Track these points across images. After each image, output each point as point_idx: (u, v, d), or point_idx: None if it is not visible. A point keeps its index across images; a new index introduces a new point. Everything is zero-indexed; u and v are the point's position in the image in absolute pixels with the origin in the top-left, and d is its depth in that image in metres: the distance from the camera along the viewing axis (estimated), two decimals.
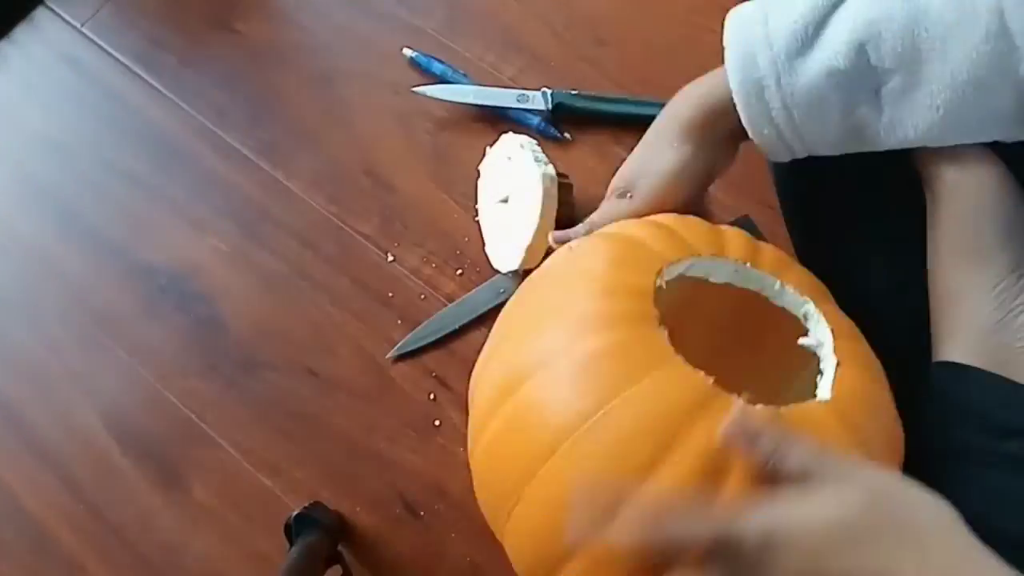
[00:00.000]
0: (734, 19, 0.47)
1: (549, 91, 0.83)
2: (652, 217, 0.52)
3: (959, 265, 0.45)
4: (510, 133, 0.79)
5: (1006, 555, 0.32)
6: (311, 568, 0.66)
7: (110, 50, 0.94)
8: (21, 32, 0.97)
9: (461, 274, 0.79)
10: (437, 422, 0.74)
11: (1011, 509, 0.40)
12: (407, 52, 0.89)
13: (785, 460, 0.34)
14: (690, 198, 0.55)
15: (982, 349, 0.44)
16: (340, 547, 0.71)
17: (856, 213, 0.54)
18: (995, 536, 0.32)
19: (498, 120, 0.85)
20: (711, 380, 0.39)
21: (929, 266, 0.48)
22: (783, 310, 0.48)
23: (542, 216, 0.72)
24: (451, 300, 0.78)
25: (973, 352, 0.44)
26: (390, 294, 0.79)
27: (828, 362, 0.44)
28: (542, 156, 0.75)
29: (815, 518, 0.32)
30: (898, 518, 0.33)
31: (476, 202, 0.81)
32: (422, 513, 0.72)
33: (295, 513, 0.68)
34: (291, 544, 0.67)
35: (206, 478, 0.75)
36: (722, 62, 0.47)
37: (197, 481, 0.75)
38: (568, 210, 0.76)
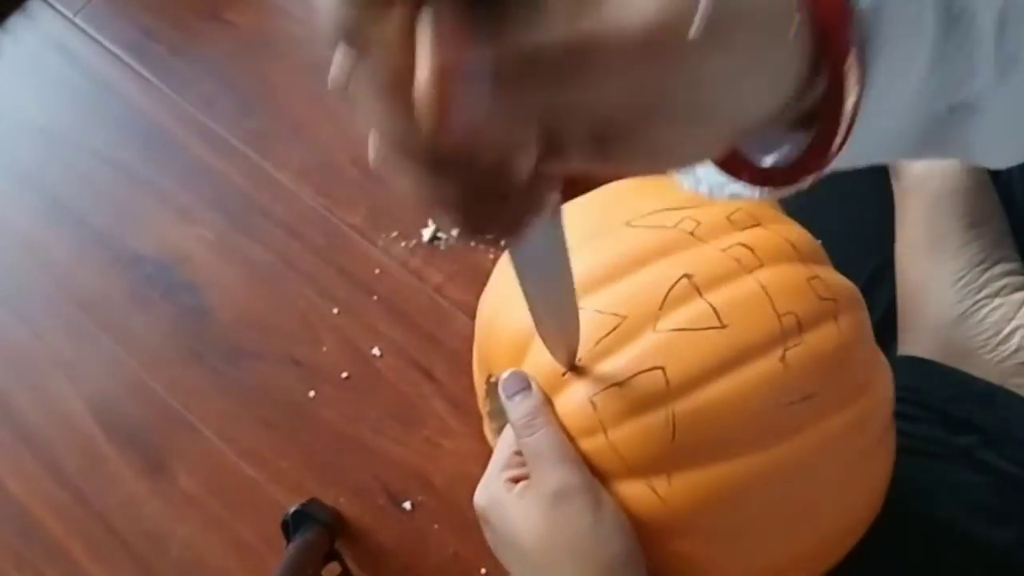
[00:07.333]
0: None
1: None
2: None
3: (924, 257, 0.45)
4: None
5: (956, 550, 0.31)
6: (309, 564, 0.66)
7: (101, 40, 0.94)
8: (14, 21, 0.97)
9: (449, 266, 0.79)
10: (422, 414, 0.74)
11: (965, 504, 0.40)
12: None
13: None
14: None
15: (942, 343, 0.44)
16: (337, 544, 0.71)
17: None
18: (946, 530, 0.32)
19: None
20: None
21: (897, 258, 0.47)
22: None
23: None
24: (438, 292, 0.78)
25: (934, 345, 0.44)
26: (377, 285, 0.79)
27: None
28: None
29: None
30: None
31: None
32: (405, 504, 0.72)
33: (293, 509, 0.68)
34: (288, 540, 0.67)
35: (191, 467, 0.75)
36: None
37: (182, 470, 0.75)
38: None
